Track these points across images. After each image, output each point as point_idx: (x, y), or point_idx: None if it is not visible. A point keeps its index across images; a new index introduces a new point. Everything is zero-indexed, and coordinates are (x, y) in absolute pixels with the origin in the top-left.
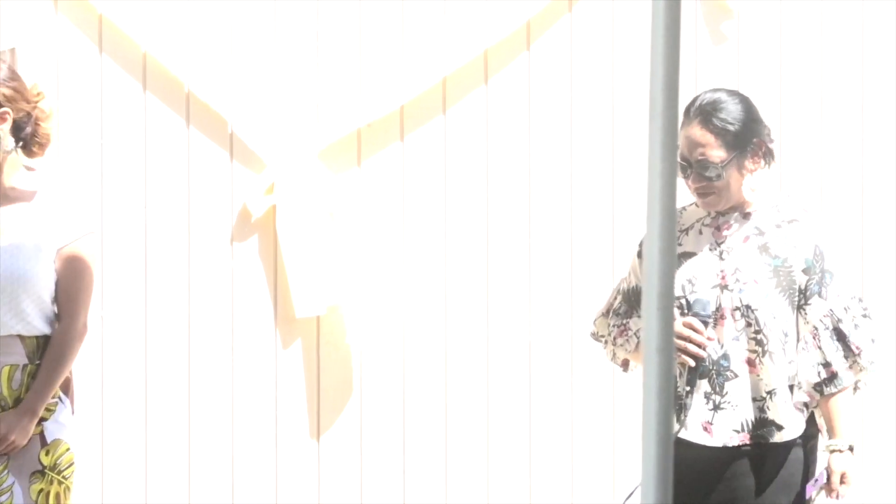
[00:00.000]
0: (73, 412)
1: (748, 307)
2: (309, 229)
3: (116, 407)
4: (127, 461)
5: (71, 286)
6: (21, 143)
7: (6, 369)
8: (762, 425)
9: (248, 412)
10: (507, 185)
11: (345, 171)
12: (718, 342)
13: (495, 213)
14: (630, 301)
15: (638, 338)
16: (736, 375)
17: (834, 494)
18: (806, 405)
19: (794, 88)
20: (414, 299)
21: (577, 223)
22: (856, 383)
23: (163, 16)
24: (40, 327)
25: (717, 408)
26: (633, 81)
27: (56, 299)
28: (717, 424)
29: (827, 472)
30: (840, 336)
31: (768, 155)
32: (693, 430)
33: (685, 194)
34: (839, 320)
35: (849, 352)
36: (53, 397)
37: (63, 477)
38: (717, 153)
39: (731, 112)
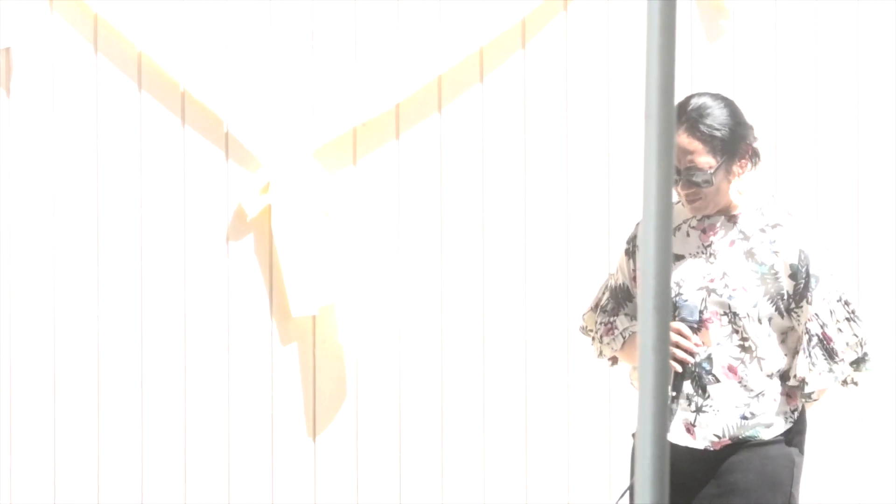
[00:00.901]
0: None
1: (736, 314)
2: (304, 228)
3: (112, 405)
4: (122, 459)
5: None
6: None
7: None
8: (747, 429)
9: (243, 411)
10: (503, 184)
11: (340, 169)
12: (703, 345)
13: (491, 211)
14: (617, 298)
15: (624, 337)
16: (717, 380)
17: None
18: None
19: (790, 88)
20: (410, 298)
21: (573, 222)
22: (848, 378)
23: (158, 15)
24: None
25: (699, 410)
26: (629, 80)
27: None
28: (700, 427)
29: None
30: (822, 341)
31: (754, 156)
32: (676, 432)
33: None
34: (824, 325)
35: (830, 358)
36: None
37: None
38: (705, 160)
39: (717, 117)
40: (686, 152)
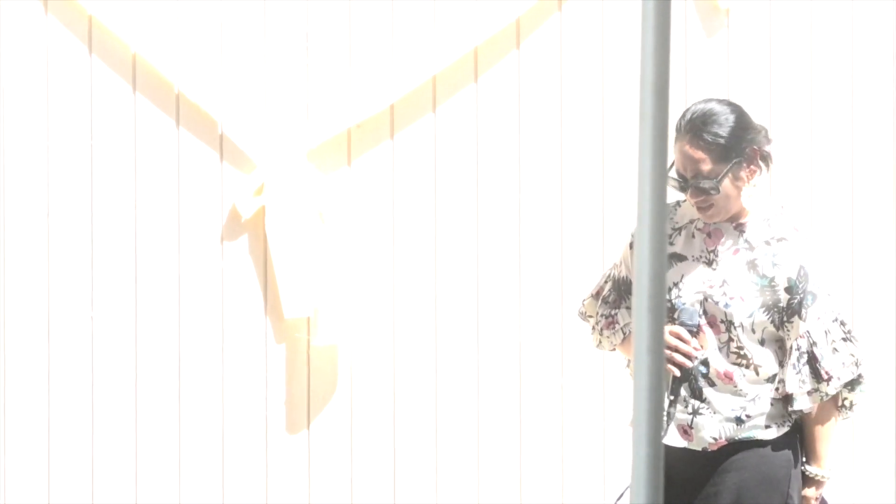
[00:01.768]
0: None
1: (731, 323)
2: (298, 230)
3: (107, 405)
4: (117, 458)
5: None
6: None
7: None
8: (743, 431)
9: (237, 411)
10: (497, 184)
11: (335, 170)
12: (702, 349)
13: (485, 211)
14: (619, 290)
15: (625, 333)
16: (713, 384)
17: None
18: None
19: (785, 88)
20: (404, 298)
21: (567, 222)
22: (843, 401)
23: (153, 16)
24: None
25: (695, 412)
26: (623, 80)
27: None
28: (696, 429)
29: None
30: (811, 359)
31: (765, 159)
32: (672, 435)
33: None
34: (814, 343)
35: (816, 378)
36: None
37: None
38: (711, 167)
39: (722, 124)
40: (692, 161)
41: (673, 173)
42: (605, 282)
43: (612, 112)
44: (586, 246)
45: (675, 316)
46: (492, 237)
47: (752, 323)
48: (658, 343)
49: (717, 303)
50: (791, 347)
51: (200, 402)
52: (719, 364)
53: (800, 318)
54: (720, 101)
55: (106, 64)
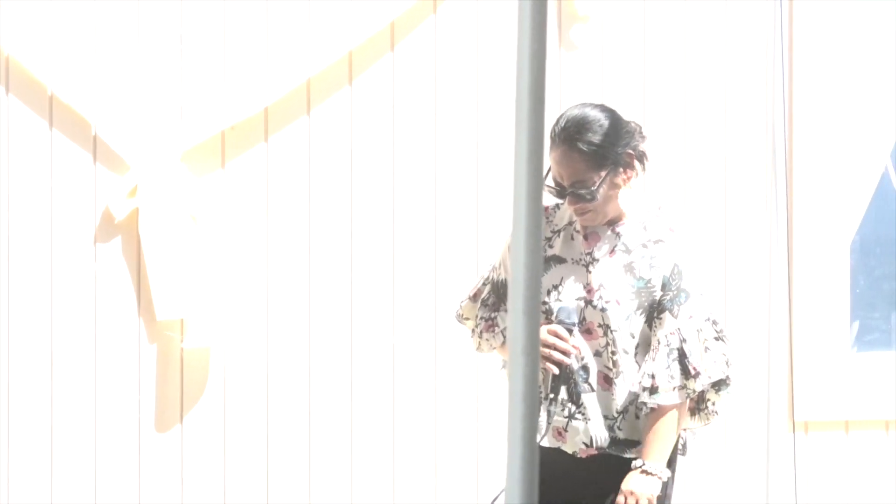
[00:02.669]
0: None
1: (608, 327)
2: (171, 232)
3: None
4: None
5: None
6: None
7: None
8: (614, 444)
9: (110, 412)
10: (372, 186)
11: (209, 172)
12: (580, 353)
13: (359, 213)
14: (498, 293)
15: (504, 336)
16: (592, 389)
17: None
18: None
19: (658, 91)
20: (277, 300)
21: (441, 225)
22: (707, 403)
23: (25, 17)
24: None
25: (571, 417)
26: (498, 83)
27: None
28: (571, 433)
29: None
30: (681, 356)
31: (641, 159)
32: (547, 436)
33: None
34: (684, 340)
35: (684, 374)
36: None
37: None
38: (587, 175)
39: (596, 131)
40: (568, 169)
41: (549, 181)
42: (484, 284)
43: (487, 115)
44: (460, 249)
45: (554, 316)
46: (366, 239)
47: (629, 326)
48: (533, 345)
49: (595, 307)
50: (659, 342)
51: (73, 403)
52: (600, 369)
53: (671, 314)
54: (594, 107)
55: None
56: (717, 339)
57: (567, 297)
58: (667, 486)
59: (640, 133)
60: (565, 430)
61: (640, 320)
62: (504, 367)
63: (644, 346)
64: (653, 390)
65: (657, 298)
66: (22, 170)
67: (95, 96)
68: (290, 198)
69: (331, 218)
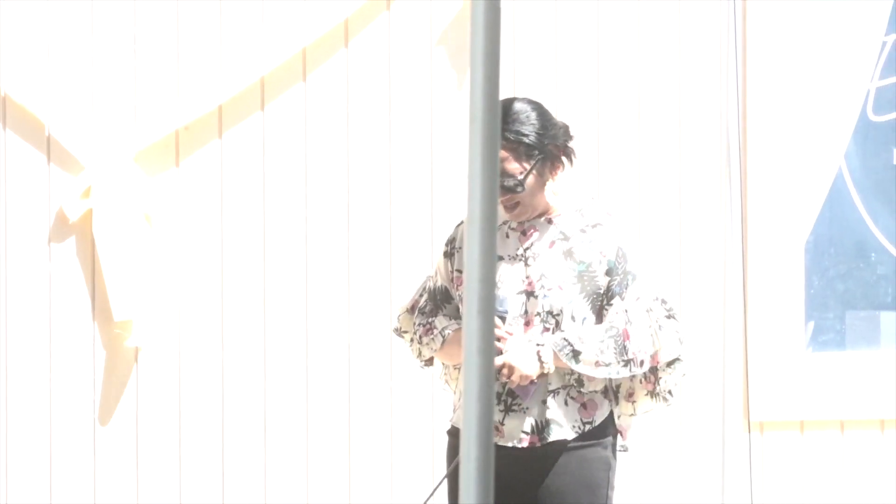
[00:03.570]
0: None
1: (549, 313)
2: (125, 232)
3: None
4: None
5: None
6: None
7: None
8: (546, 425)
9: (65, 414)
10: (327, 183)
11: (163, 172)
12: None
13: (314, 211)
14: (436, 300)
15: (444, 336)
16: (532, 382)
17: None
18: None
19: (612, 88)
20: (232, 298)
21: (396, 222)
22: (660, 382)
23: None
24: None
25: (508, 409)
26: (452, 80)
27: None
28: (508, 425)
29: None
30: (622, 337)
31: (568, 155)
32: None
33: None
34: (629, 322)
35: (618, 353)
36: None
37: None
38: (514, 165)
39: (524, 122)
40: None
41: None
42: (421, 294)
43: (441, 112)
44: (415, 245)
45: None
46: (321, 237)
47: (572, 310)
48: (488, 344)
49: (536, 297)
50: (607, 320)
51: (27, 404)
52: None
53: (620, 297)
54: (521, 100)
55: None
56: (667, 317)
57: (507, 293)
58: (609, 472)
59: (567, 132)
60: (502, 424)
61: (583, 304)
62: (442, 377)
63: None
64: (576, 355)
65: (600, 284)
66: None
67: (49, 97)
68: (244, 195)
69: (286, 215)
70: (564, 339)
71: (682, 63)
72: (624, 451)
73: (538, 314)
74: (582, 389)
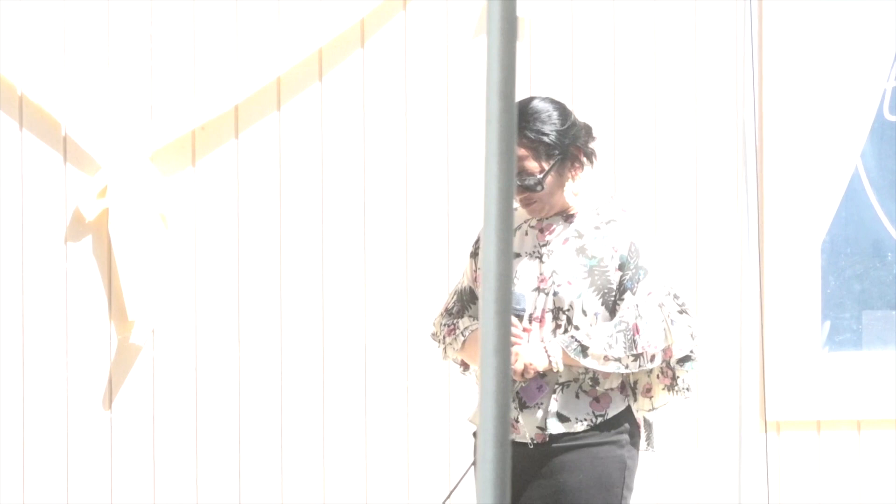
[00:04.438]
0: None
1: (559, 309)
2: (141, 232)
3: None
4: None
5: None
6: None
7: None
8: (549, 417)
9: (81, 410)
10: (342, 184)
11: (179, 171)
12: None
13: (330, 211)
14: (463, 301)
15: (464, 336)
16: (543, 376)
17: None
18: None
19: (628, 89)
20: (248, 298)
21: (412, 221)
22: (677, 380)
23: None
24: None
25: (522, 406)
26: (467, 81)
27: None
28: (523, 422)
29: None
30: (632, 332)
31: (589, 156)
32: None
33: None
34: (639, 316)
35: (628, 348)
36: None
37: None
38: (534, 164)
39: (545, 122)
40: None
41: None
42: (452, 296)
43: (457, 113)
44: (431, 246)
45: None
46: (337, 237)
47: (582, 304)
48: (505, 344)
49: (547, 293)
50: (618, 315)
51: (44, 403)
52: None
53: (631, 293)
54: (543, 99)
55: None
56: (680, 312)
57: (521, 288)
58: (625, 471)
59: (590, 133)
60: (517, 422)
61: (593, 298)
62: (462, 370)
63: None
64: (584, 350)
65: (612, 279)
66: None
67: (65, 96)
68: (260, 196)
69: (302, 215)
70: (572, 336)
71: (698, 62)
72: (649, 449)
73: (550, 310)
74: (597, 387)
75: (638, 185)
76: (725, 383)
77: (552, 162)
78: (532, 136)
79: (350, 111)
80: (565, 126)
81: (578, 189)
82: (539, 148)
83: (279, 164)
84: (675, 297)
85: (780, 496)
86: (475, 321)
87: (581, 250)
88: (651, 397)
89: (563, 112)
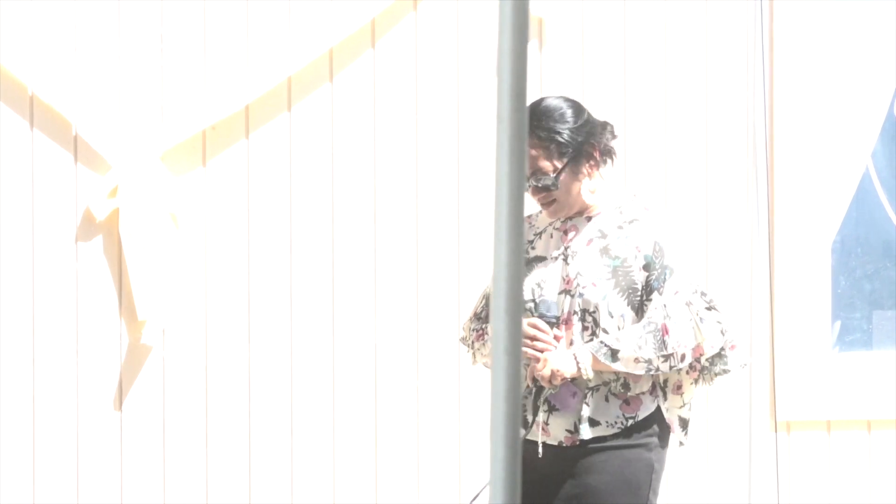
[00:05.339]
0: None
1: (585, 311)
2: (152, 232)
3: None
4: None
5: None
6: None
7: None
8: (580, 423)
9: (91, 410)
10: (353, 184)
11: (189, 171)
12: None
13: (341, 211)
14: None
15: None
16: (572, 379)
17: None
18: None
19: (639, 88)
20: (259, 298)
21: (422, 223)
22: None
23: (4, 17)
24: None
25: (552, 409)
26: (478, 81)
27: None
28: (553, 425)
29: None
30: (662, 332)
31: (606, 154)
32: (532, 430)
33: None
34: (668, 316)
35: (657, 349)
36: None
37: None
38: (547, 164)
39: (557, 120)
40: (529, 158)
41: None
42: (481, 300)
43: (468, 113)
44: (441, 246)
45: (535, 309)
46: (347, 237)
47: (608, 306)
48: (516, 345)
49: (572, 295)
50: (646, 316)
51: (54, 402)
52: None
53: (658, 293)
54: (556, 98)
55: None
56: (708, 308)
57: (549, 293)
58: (652, 474)
59: (610, 131)
60: (547, 424)
61: (619, 300)
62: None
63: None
64: (614, 354)
65: (637, 279)
66: (3, 170)
67: (76, 96)
68: (271, 196)
69: (312, 215)
70: (601, 341)
71: (709, 62)
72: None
73: (575, 313)
74: (629, 392)
75: (648, 184)
76: (736, 383)
77: (565, 160)
78: (543, 134)
79: (361, 111)
80: (578, 123)
81: (595, 186)
82: (551, 147)
83: (290, 165)
84: (703, 294)
85: (791, 496)
86: None
87: (605, 251)
88: (682, 394)
89: (577, 109)
